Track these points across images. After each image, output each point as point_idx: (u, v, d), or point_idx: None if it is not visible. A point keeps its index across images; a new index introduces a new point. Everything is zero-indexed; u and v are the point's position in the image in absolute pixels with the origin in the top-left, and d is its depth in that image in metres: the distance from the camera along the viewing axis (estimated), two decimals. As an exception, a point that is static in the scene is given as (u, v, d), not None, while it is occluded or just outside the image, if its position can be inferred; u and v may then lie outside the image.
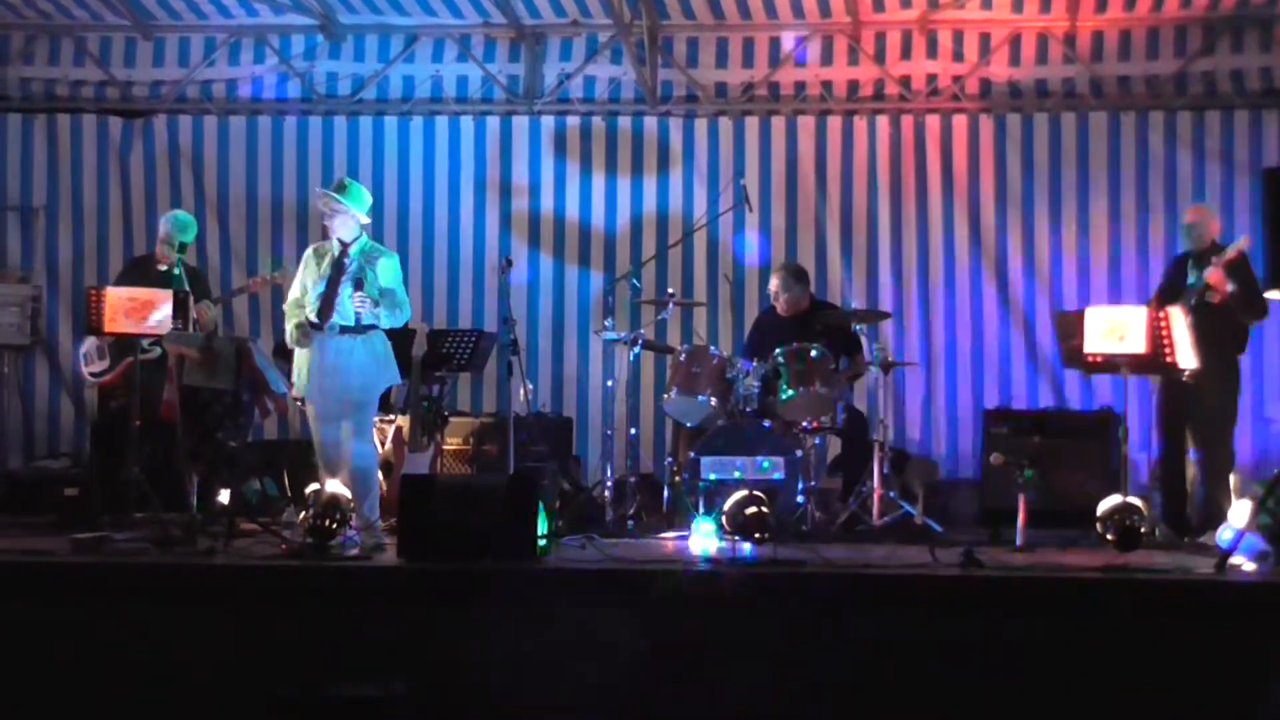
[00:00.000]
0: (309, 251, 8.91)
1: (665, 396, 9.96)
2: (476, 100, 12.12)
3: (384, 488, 9.11)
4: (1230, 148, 11.42)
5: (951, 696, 6.79)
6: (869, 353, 9.91)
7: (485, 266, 11.95)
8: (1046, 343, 11.35)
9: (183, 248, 9.79)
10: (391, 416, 9.90)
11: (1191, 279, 9.17)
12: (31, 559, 7.72)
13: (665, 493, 9.76)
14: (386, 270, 8.71)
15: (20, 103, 12.28)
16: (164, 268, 9.82)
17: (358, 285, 8.53)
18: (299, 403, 9.08)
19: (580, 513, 9.66)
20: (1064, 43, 11.47)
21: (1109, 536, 7.95)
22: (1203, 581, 7.22)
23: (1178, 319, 8.37)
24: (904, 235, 11.77)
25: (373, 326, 8.65)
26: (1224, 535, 7.85)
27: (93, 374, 9.93)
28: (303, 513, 8.09)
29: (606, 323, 10.09)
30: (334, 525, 7.84)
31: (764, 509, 8.07)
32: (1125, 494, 8.17)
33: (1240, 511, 7.86)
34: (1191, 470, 9.25)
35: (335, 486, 8.20)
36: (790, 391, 9.61)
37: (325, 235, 8.84)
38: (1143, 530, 7.95)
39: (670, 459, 10.13)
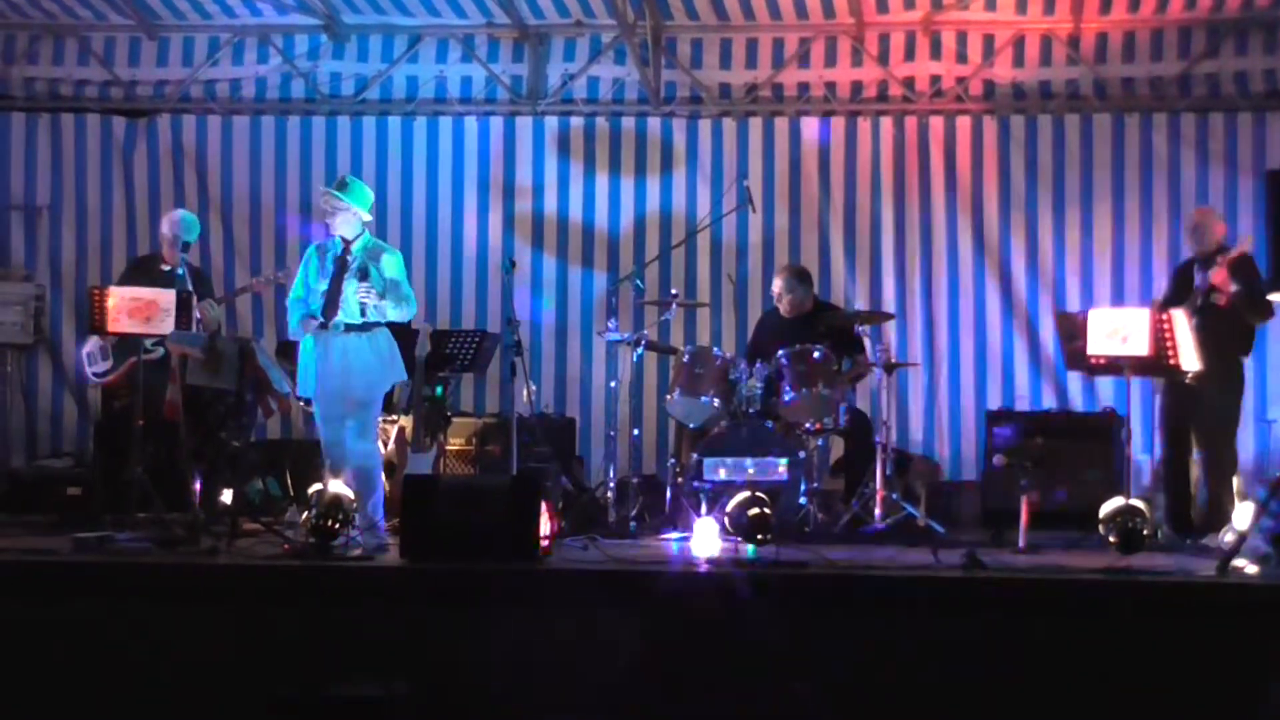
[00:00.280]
0: (311, 249, 8.92)
1: (668, 397, 9.96)
2: (480, 100, 12.12)
3: (387, 488, 9.10)
4: (1234, 150, 11.42)
5: (954, 698, 6.79)
6: (872, 354, 9.91)
7: (489, 267, 11.96)
8: (1049, 344, 11.35)
9: (186, 247, 9.78)
10: (394, 417, 9.91)
11: (1197, 281, 9.16)
12: (34, 558, 7.73)
13: (668, 494, 9.76)
14: (390, 265, 8.72)
15: (24, 102, 12.28)
16: (167, 267, 9.81)
17: (362, 278, 8.54)
18: (302, 402, 9.09)
19: (583, 514, 9.66)
20: (1068, 44, 11.46)
21: (1111, 538, 7.94)
22: (1205, 583, 7.22)
23: (1181, 321, 8.36)
24: (907, 236, 11.77)
25: (378, 324, 8.66)
26: (1226, 537, 7.85)
27: (96, 374, 9.93)
28: (305, 513, 8.10)
29: (610, 323, 10.09)
30: (336, 525, 7.84)
31: (766, 510, 8.07)
32: (1128, 496, 8.17)
33: (1243, 514, 7.86)
34: (1195, 472, 9.25)
35: (338, 487, 8.21)
36: (793, 393, 9.61)
37: (328, 234, 8.84)
38: (1145, 532, 7.94)
39: (673, 460, 10.12)
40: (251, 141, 12.23)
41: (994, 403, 11.39)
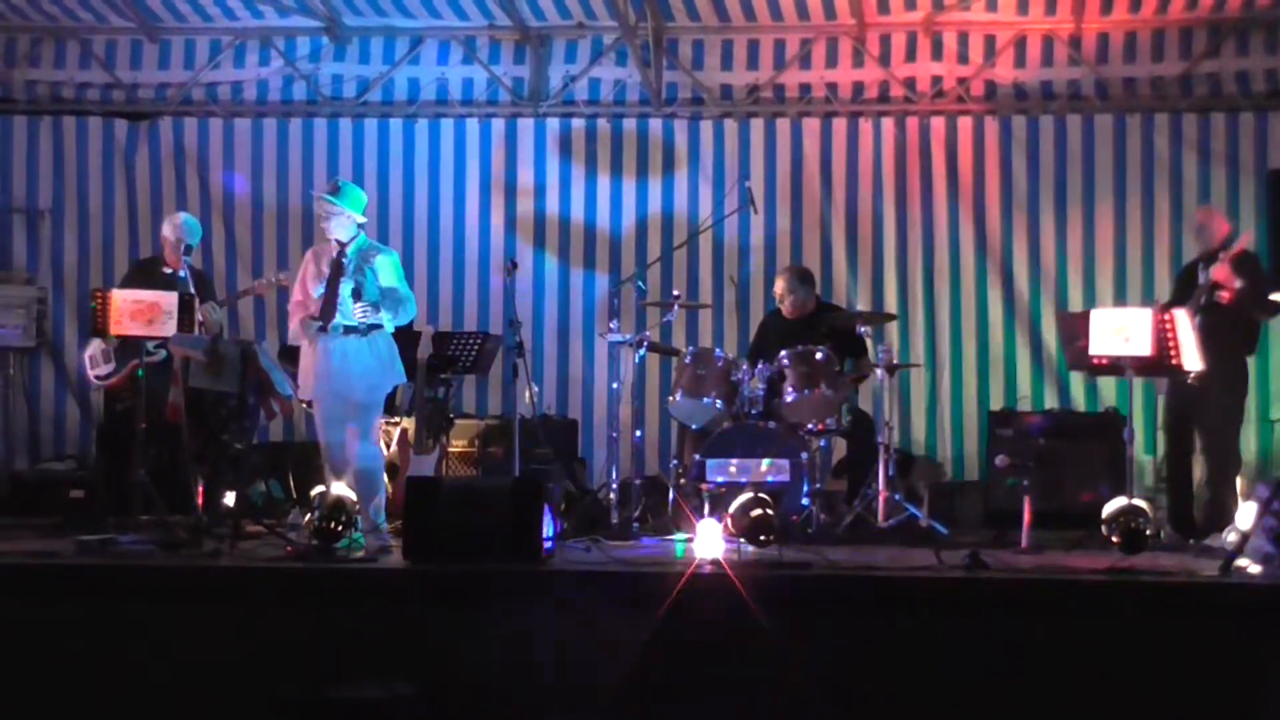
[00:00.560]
0: (309, 254, 8.93)
1: (671, 399, 9.96)
2: (482, 102, 12.13)
3: (389, 490, 9.11)
4: (1235, 149, 11.42)
5: (957, 698, 6.79)
6: (874, 355, 9.91)
7: (490, 268, 11.96)
8: (1051, 344, 11.37)
9: (189, 250, 9.79)
10: (396, 419, 9.91)
11: (1202, 279, 9.16)
12: (37, 561, 7.74)
13: (670, 495, 9.75)
14: (385, 268, 8.71)
15: (26, 105, 12.30)
16: (169, 270, 9.82)
17: (356, 295, 8.54)
18: (305, 405, 9.09)
19: (585, 515, 9.67)
20: (1069, 44, 11.47)
21: (1114, 538, 7.93)
22: (1208, 584, 7.22)
23: (1183, 321, 8.36)
24: (909, 237, 11.77)
25: (378, 326, 8.66)
26: (1229, 537, 7.84)
27: (98, 376, 9.93)
28: (308, 515, 8.10)
29: (612, 325, 10.08)
30: (339, 527, 7.85)
31: (769, 511, 8.06)
32: (1130, 496, 8.16)
33: (1246, 513, 7.85)
34: (1198, 472, 9.24)
35: (340, 489, 8.21)
36: (795, 394, 9.61)
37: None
38: (1148, 532, 7.93)
39: (675, 461, 10.12)
40: (253, 144, 12.24)
41: (996, 403, 11.40)
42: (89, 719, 7.05)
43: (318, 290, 8.65)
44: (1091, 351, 8.44)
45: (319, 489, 8.51)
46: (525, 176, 12.12)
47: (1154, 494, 9.62)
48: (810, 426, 9.69)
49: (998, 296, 11.66)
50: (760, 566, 7.57)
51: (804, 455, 9.45)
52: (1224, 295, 8.97)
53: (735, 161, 11.87)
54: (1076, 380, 11.31)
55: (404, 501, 7.93)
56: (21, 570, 7.53)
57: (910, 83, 11.72)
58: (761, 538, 7.92)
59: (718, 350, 10.14)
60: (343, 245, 8.70)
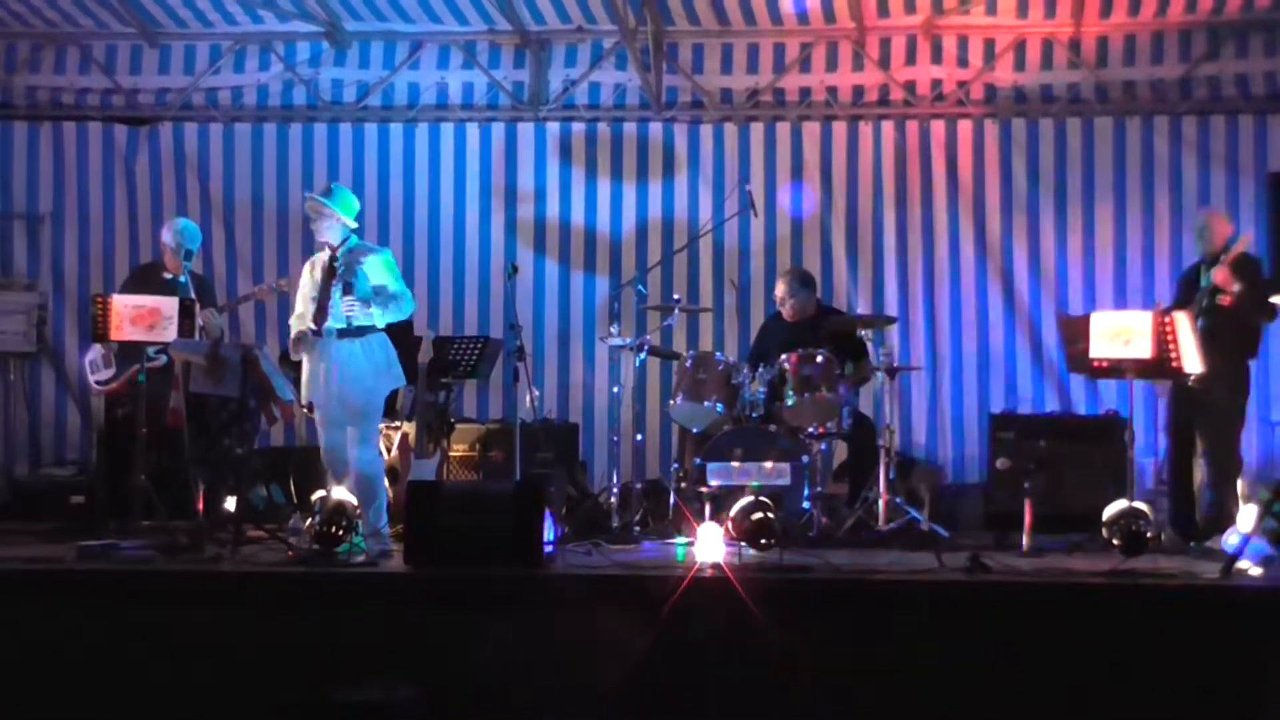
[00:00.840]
0: (306, 264, 8.94)
1: (671, 402, 9.96)
2: (482, 107, 12.13)
3: (390, 494, 9.11)
4: (1235, 152, 11.43)
5: (958, 701, 6.79)
6: (875, 358, 9.92)
7: (491, 273, 11.97)
8: (1052, 347, 11.36)
9: (189, 255, 9.80)
10: (397, 423, 9.91)
11: (1204, 282, 9.16)
12: (38, 566, 7.74)
13: (671, 499, 9.76)
14: (375, 266, 8.71)
15: (26, 111, 12.30)
16: (169, 275, 9.83)
17: (346, 290, 8.56)
18: (305, 409, 9.09)
19: (586, 519, 9.68)
20: (1069, 47, 11.47)
21: (1115, 541, 7.94)
22: (1208, 586, 7.23)
23: (1183, 324, 8.36)
24: (909, 241, 11.77)
25: (372, 328, 8.66)
26: (1230, 540, 7.84)
27: (99, 382, 9.94)
28: (309, 519, 8.11)
29: (612, 329, 10.08)
30: (340, 532, 7.86)
31: (770, 514, 8.07)
32: (1131, 499, 8.17)
33: (1247, 516, 7.86)
34: (1199, 474, 9.24)
35: (341, 493, 8.22)
36: (796, 397, 9.61)
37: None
38: (1149, 535, 7.94)
39: (676, 465, 10.13)
40: (253, 149, 12.24)
41: (997, 406, 11.39)
42: (91, 724, 7.07)
43: (312, 295, 8.68)
44: (1092, 354, 8.45)
45: (320, 493, 8.53)
46: (525, 181, 12.12)
47: (1154, 496, 9.60)
48: (811, 430, 9.69)
49: (998, 299, 11.66)
50: (761, 570, 7.57)
51: (805, 458, 9.45)
52: (1224, 299, 8.98)
53: (735, 165, 11.87)
54: (1077, 383, 11.30)
55: (405, 505, 7.93)
56: (23, 576, 7.54)
57: (910, 86, 11.72)
58: (762, 541, 7.93)
59: (718, 354, 10.15)
60: (333, 249, 8.71)
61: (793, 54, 11.79)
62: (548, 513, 7.71)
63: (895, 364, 10.02)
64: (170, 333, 8.74)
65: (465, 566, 7.39)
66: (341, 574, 7.59)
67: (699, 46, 11.89)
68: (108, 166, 12.26)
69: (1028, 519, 8.67)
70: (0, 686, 7.08)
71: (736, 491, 8.87)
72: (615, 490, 9.76)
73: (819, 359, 9.68)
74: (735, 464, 9.40)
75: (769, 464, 9.39)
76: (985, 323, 11.67)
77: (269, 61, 12.15)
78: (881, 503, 9.53)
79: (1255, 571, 7.44)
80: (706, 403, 9.73)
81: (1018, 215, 11.68)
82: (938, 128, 11.79)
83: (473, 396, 11.75)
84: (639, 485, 10.09)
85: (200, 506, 8.97)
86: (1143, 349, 8.27)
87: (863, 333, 10.00)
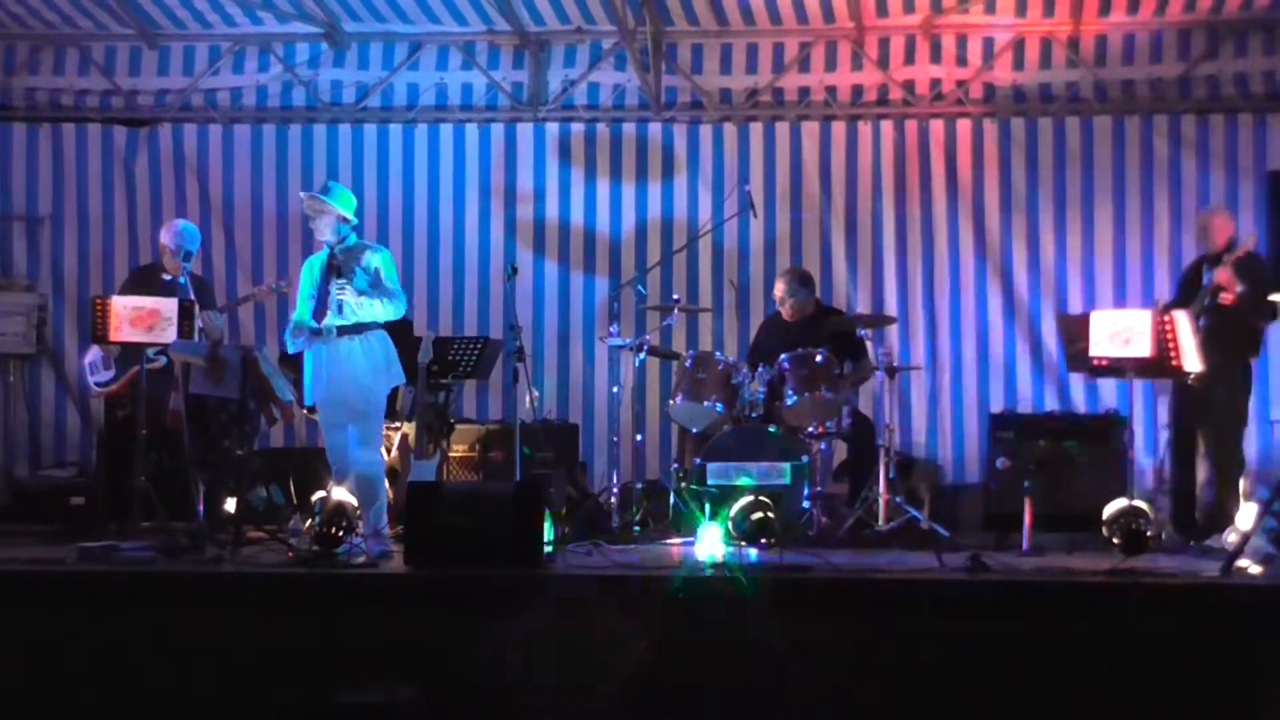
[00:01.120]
0: (305, 266, 8.95)
1: (671, 402, 9.97)
2: (481, 107, 12.12)
3: (390, 495, 9.11)
4: (1234, 151, 11.42)
5: (959, 700, 6.79)
6: (874, 357, 9.92)
7: (490, 273, 11.96)
8: (1052, 347, 11.35)
9: (189, 257, 9.80)
10: (397, 424, 9.92)
11: (1206, 281, 9.16)
12: (38, 568, 7.73)
13: (671, 499, 9.76)
14: (373, 264, 8.71)
15: (25, 112, 12.29)
16: (168, 276, 9.83)
17: (339, 277, 8.56)
18: (306, 411, 9.10)
19: (586, 519, 9.68)
20: (1067, 46, 11.47)
21: (1115, 540, 7.95)
22: (1208, 585, 7.22)
23: (1183, 323, 8.37)
24: (909, 240, 11.77)
25: (372, 326, 8.65)
26: (1230, 538, 7.85)
27: (99, 384, 9.94)
28: (309, 520, 8.11)
29: (612, 329, 10.09)
30: (340, 533, 7.86)
31: (770, 514, 8.08)
32: (1131, 497, 8.17)
33: (1247, 514, 7.86)
34: (1200, 473, 9.24)
35: (341, 494, 8.22)
36: (795, 397, 9.62)
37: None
38: (1149, 534, 7.95)
39: (676, 465, 10.13)
40: (253, 150, 12.23)
41: (996, 405, 11.39)
42: (91, 726, 7.07)
43: (311, 293, 8.69)
44: (1092, 353, 8.46)
45: (320, 494, 8.53)
46: (525, 181, 12.12)
47: (1154, 495, 9.61)
48: (811, 429, 9.70)
49: (997, 298, 11.66)
50: (761, 570, 7.57)
51: (804, 458, 9.46)
52: (1226, 298, 8.98)
53: (735, 165, 11.86)
54: (1077, 382, 11.30)
55: (405, 506, 7.93)
56: (23, 578, 7.54)
57: (909, 85, 11.72)
58: (762, 541, 7.93)
59: (718, 353, 10.16)
60: (332, 247, 8.71)
61: (791, 54, 11.79)
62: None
63: (895, 363, 10.02)
64: (170, 334, 8.74)
65: (465, 567, 7.39)
66: (342, 575, 7.59)
67: (698, 47, 11.89)
68: (107, 168, 12.25)
69: (1028, 518, 8.68)
70: (1, 688, 7.07)
71: (736, 491, 8.89)
72: (615, 490, 9.77)
73: (818, 359, 9.69)
74: (735, 464, 9.41)
75: (769, 464, 9.39)
76: (985, 322, 11.67)
77: (268, 63, 12.15)
78: (881, 502, 9.54)
79: (1255, 570, 7.44)
80: (706, 402, 9.73)
81: (1017, 214, 11.67)
82: (937, 127, 11.79)
83: (472, 397, 11.75)
84: (639, 485, 10.10)
85: (200, 508, 8.97)
86: (1142, 348, 8.27)
87: (862, 332, 10.01)
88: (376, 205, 11.94)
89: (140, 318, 8.74)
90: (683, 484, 9.68)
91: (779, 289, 10.45)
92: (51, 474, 11.71)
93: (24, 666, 7.10)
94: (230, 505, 9.10)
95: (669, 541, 9.06)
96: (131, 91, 12.20)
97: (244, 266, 12.12)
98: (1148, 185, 11.53)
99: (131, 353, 9.27)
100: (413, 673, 6.89)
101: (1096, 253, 11.55)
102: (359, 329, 8.62)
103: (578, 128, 12.10)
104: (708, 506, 9.08)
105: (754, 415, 9.70)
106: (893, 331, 11.35)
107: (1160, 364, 8.35)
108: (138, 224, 12.16)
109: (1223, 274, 8.96)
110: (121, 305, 8.84)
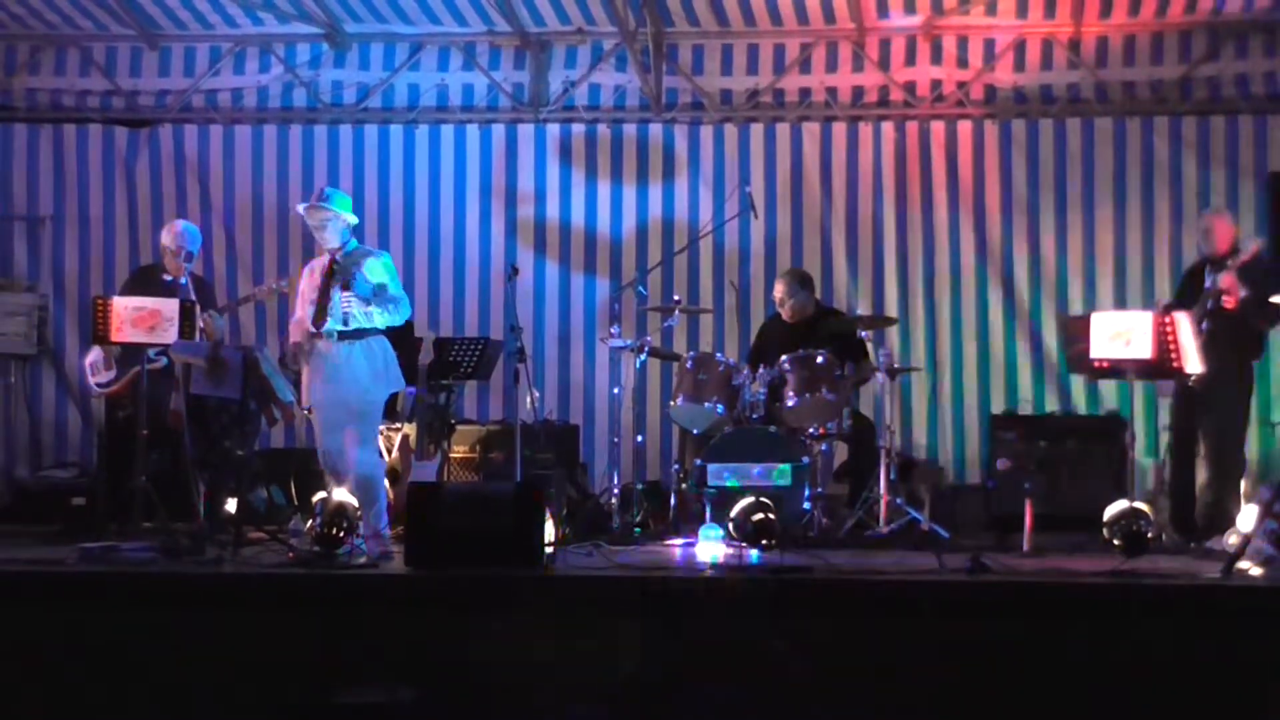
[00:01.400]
0: (305, 270, 8.95)
1: (672, 403, 9.97)
2: (482, 108, 12.13)
3: (391, 496, 9.11)
4: (1235, 153, 11.43)
5: (959, 702, 6.78)
6: (875, 359, 9.92)
7: (491, 274, 11.96)
8: (1052, 348, 11.36)
9: (190, 257, 9.81)
10: (398, 425, 9.92)
11: (1209, 283, 9.16)
12: (39, 568, 7.73)
13: (672, 500, 9.77)
14: (375, 269, 8.71)
15: (26, 113, 12.30)
16: (169, 277, 9.83)
17: (345, 289, 8.56)
18: (306, 411, 9.10)
19: (587, 520, 9.68)
20: (1068, 48, 11.47)
21: (1115, 541, 7.94)
22: (1209, 586, 7.22)
23: (1183, 324, 8.36)
24: (909, 241, 11.77)
25: (372, 330, 8.66)
26: (1230, 540, 7.84)
27: (99, 384, 9.93)
28: (310, 521, 8.11)
29: (613, 330, 10.10)
30: (341, 533, 7.86)
31: (770, 515, 8.07)
32: (1132, 499, 8.17)
33: (1247, 516, 7.85)
34: (1201, 475, 9.24)
35: (342, 495, 8.22)
36: (796, 398, 9.62)
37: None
38: (1149, 535, 7.94)
39: (677, 466, 10.13)
40: (254, 151, 12.24)
41: (997, 407, 11.39)
42: (92, 726, 7.07)
43: (311, 297, 8.69)
44: (1092, 355, 8.44)
45: (320, 495, 8.53)
46: (526, 182, 12.12)
47: (1155, 497, 9.61)
48: (811, 430, 9.70)
49: (998, 300, 11.66)
50: (761, 571, 7.57)
51: (805, 459, 9.46)
52: (1228, 301, 8.97)
53: (735, 166, 11.87)
54: (1078, 383, 11.30)
55: (405, 507, 7.93)
56: (23, 577, 7.53)
57: (910, 87, 11.72)
58: (763, 542, 7.93)
59: (719, 355, 10.16)
60: (334, 252, 8.72)
61: (792, 55, 11.79)
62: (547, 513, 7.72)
63: (895, 365, 10.02)
64: (170, 335, 8.74)
65: (466, 568, 7.39)
66: (342, 576, 7.58)
67: (699, 48, 11.90)
68: (108, 168, 12.26)
69: (1028, 520, 8.67)
70: (1, 688, 7.07)
71: (737, 492, 8.89)
72: (616, 491, 9.77)
73: (819, 360, 9.68)
74: (735, 465, 9.41)
75: (769, 465, 9.39)
76: (985, 323, 11.67)
77: (269, 63, 12.15)
78: (882, 504, 9.54)
79: (1256, 572, 7.44)
80: (707, 404, 9.73)
81: (1018, 215, 11.67)
82: (937, 128, 11.79)
83: (473, 397, 11.75)
84: (639, 486, 10.10)
85: (201, 508, 8.96)
86: (1143, 349, 8.26)
87: (863, 333, 10.01)
88: (377, 206, 11.95)
89: (141, 318, 8.74)
90: (683, 485, 9.68)
91: (779, 290, 10.45)
92: (52, 474, 11.72)
93: (24, 666, 7.10)
94: (231, 506, 9.10)
95: (669, 543, 9.06)
96: (132, 92, 12.21)
97: (244, 267, 12.13)
98: (1148, 186, 11.54)
99: (132, 353, 9.27)
100: (413, 673, 6.89)
101: (1097, 254, 11.56)
102: (359, 334, 8.62)
103: (578, 129, 12.10)
104: (708, 508, 9.10)
105: (755, 416, 9.70)
106: (893, 332, 11.35)
107: (1161, 365, 8.33)
108: (139, 224, 12.17)
109: (1227, 278, 8.95)
110: (122, 306, 8.84)
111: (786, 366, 9.70)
